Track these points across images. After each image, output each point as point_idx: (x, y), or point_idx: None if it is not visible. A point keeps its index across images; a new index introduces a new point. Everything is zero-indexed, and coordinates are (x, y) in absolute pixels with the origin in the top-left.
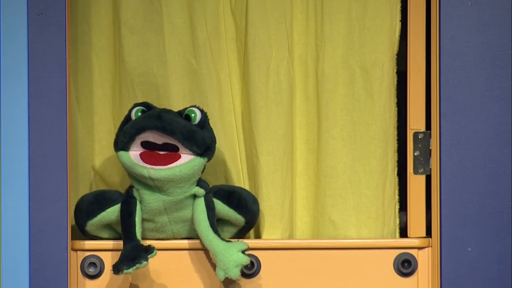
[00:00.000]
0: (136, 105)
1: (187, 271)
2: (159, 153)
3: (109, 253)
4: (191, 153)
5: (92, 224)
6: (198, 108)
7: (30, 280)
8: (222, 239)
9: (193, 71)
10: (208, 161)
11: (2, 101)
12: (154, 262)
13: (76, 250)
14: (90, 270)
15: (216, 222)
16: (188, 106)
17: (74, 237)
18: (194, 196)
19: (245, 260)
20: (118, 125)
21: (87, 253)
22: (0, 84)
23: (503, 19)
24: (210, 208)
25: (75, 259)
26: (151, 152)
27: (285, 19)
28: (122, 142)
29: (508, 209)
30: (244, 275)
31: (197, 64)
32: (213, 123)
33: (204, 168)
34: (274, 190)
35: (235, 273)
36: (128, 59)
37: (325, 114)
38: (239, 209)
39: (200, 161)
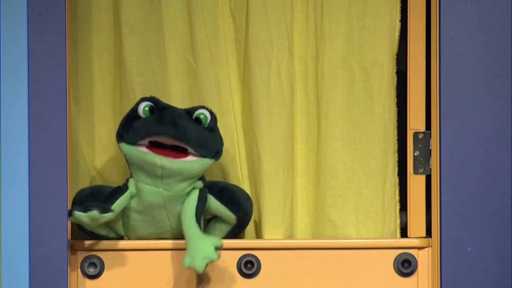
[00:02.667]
0: (143, 99)
1: (187, 271)
2: (166, 150)
3: (109, 253)
4: (200, 156)
5: (84, 216)
6: (207, 109)
7: (30, 280)
8: (201, 230)
9: (192, 71)
10: (215, 162)
11: (2, 101)
12: (154, 262)
13: (76, 250)
14: (90, 270)
15: (209, 220)
16: (197, 106)
17: (74, 237)
18: (193, 188)
19: (215, 256)
20: (117, 125)
21: (87, 253)
22: (0, 84)
23: (503, 19)
24: (202, 200)
25: (75, 259)
26: (158, 149)
27: (286, 19)
28: (130, 139)
29: (508, 209)
30: (244, 275)
31: (196, 64)
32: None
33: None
34: (276, 190)
35: (200, 265)
36: (128, 58)
37: (325, 114)
38: (231, 206)
39: (209, 162)
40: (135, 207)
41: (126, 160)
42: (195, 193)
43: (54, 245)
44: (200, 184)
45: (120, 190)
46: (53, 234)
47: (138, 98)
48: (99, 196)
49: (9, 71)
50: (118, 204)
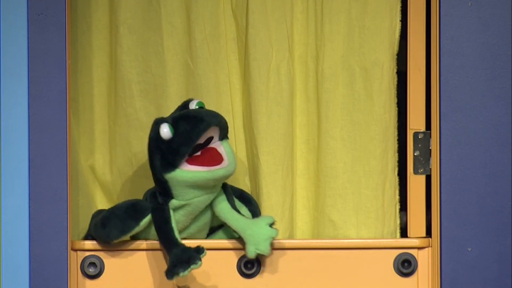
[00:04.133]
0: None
1: None
2: (199, 156)
3: (109, 253)
4: (218, 139)
5: (123, 237)
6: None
7: (30, 280)
8: (248, 218)
9: (190, 71)
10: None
11: (2, 101)
12: (154, 262)
13: (76, 250)
14: (90, 270)
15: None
16: (186, 100)
17: (74, 237)
18: None
19: (274, 233)
20: (112, 125)
21: (87, 253)
22: (0, 84)
23: (503, 19)
24: (228, 193)
25: (75, 259)
26: (191, 158)
27: (286, 19)
28: (177, 161)
29: (508, 209)
30: (244, 275)
31: (193, 64)
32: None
33: None
34: (274, 190)
35: (265, 247)
36: (127, 58)
37: (325, 114)
38: (250, 206)
39: (229, 144)
40: (179, 214)
41: (168, 185)
42: (221, 191)
43: (54, 245)
44: None
45: (165, 215)
46: (53, 234)
47: (136, 98)
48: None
49: (9, 71)
50: (178, 234)
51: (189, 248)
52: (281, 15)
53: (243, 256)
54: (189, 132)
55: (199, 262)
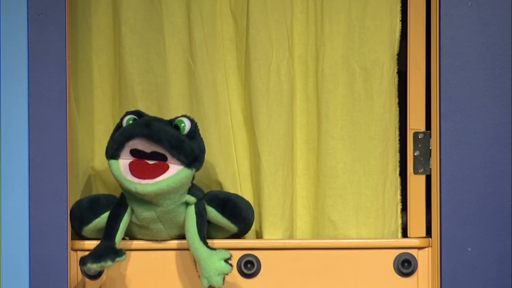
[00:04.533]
0: (128, 113)
1: (186, 271)
2: (148, 163)
3: None
4: (178, 163)
5: (87, 230)
6: (188, 117)
7: (30, 280)
8: (208, 247)
9: (191, 71)
10: (196, 171)
11: (2, 101)
12: (154, 262)
13: (76, 250)
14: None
15: (210, 225)
16: (179, 115)
17: (74, 237)
18: (187, 203)
19: (227, 269)
20: (116, 125)
21: (87, 253)
22: (0, 84)
23: (503, 19)
24: (200, 215)
25: (75, 259)
26: (140, 161)
27: (286, 19)
28: (111, 149)
29: (508, 209)
30: (244, 275)
31: (194, 64)
32: (208, 123)
33: (193, 178)
34: (275, 190)
35: (217, 281)
36: (129, 58)
37: (325, 114)
38: (233, 219)
39: (187, 172)
40: (134, 221)
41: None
42: (191, 210)
43: (54, 245)
44: (193, 199)
45: (118, 212)
46: (53, 234)
47: (138, 98)
48: (96, 208)
49: (9, 71)
50: (121, 233)
51: (113, 247)
52: (281, 15)
53: (243, 256)
54: (124, 130)
55: (110, 262)
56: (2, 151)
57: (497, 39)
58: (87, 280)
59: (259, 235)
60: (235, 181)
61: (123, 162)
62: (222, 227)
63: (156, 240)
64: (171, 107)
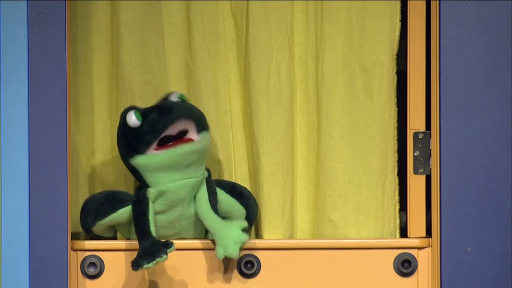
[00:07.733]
0: (125, 111)
1: (187, 271)
2: (170, 145)
3: (109, 253)
4: (196, 132)
5: (101, 225)
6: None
7: (30, 280)
8: (222, 220)
9: (190, 71)
10: None
11: (2, 101)
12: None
13: (76, 250)
14: (90, 270)
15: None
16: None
17: (74, 237)
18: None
19: (245, 237)
20: (114, 125)
21: (87, 253)
22: (0, 84)
23: (503, 19)
24: (211, 191)
25: (75, 259)
26: (165, 146)
27: (286, 19)
28: (142, 147)
29: (508, 209)
30: (244, 275)
31: (193, 64)
32: (208, 123)
33: None
34: (275, 190)
35: (234, 250)
36: (128, 58)
37: (325, 114)
38: (242, 200)
39: (208, 135)
40: (157, 210)
41: (139, 173)
42: (203, 187)
43: (54, 245)
44: (205, 172)
45: (143, 209)
46: (53, 234)
47: (137, 98)
48: (114, 203)
49: (9, 71)
50: (154, 227)
51: (159, 241)
52: (281, 15)
53: (243, 256)
54: (156, 122)
55: (164, 256)
56: (2, 151)
57: (497, 39)
58: (87, 280)
59: (259, 235)
60: (235, 180)
61: (155, 152)
62: (230, 214)
63: (165, 236)
64: None
